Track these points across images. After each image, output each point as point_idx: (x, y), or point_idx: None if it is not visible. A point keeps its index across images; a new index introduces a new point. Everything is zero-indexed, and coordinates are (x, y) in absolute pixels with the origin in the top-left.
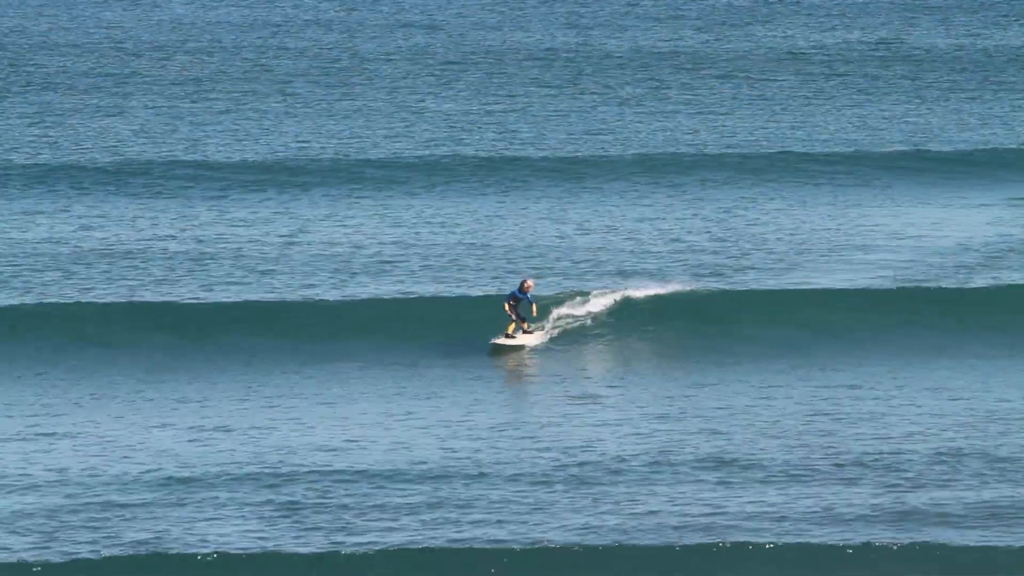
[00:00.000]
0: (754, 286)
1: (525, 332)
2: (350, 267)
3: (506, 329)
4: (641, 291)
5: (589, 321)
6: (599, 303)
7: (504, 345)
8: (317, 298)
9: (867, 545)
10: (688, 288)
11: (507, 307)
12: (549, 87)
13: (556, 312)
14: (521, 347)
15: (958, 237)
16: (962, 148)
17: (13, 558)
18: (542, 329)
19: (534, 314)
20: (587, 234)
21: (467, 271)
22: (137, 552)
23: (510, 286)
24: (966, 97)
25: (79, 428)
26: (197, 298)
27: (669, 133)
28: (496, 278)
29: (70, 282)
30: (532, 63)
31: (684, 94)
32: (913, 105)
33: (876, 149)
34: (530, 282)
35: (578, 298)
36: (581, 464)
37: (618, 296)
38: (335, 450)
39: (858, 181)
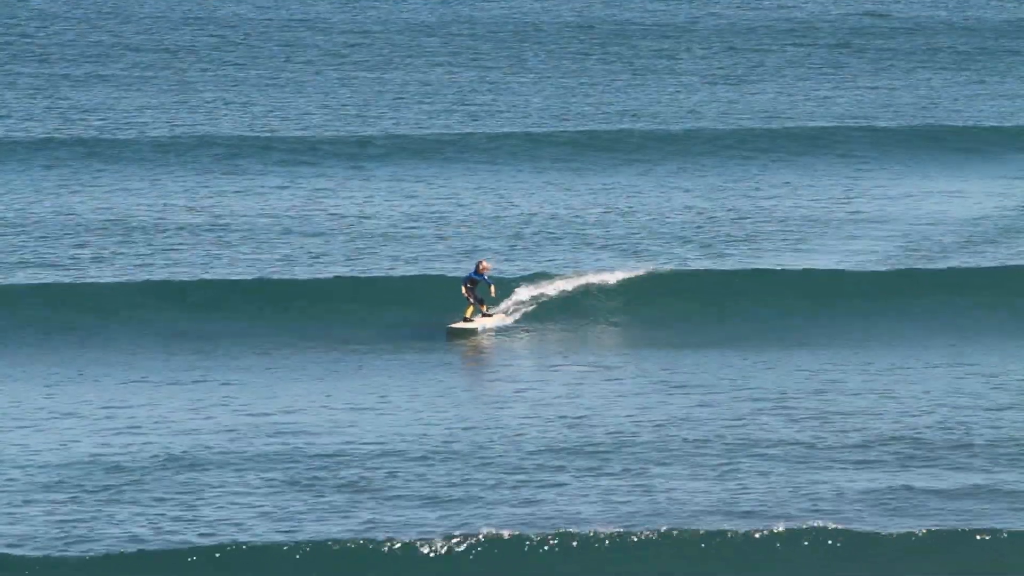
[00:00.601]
0: (756, 264)
1: (484, 315)
2: (348, 244)
3: (464, 312)
4: (623, 272)
5: (559, 301)
6: (566, 283)
7: (461, 329)
8: (292, 277)
9: (873, 531)
10: (667, 267)
11: (464, 290)
12: (556, 60)
13: (519, 294)
14: (479, 331)
15: (968, 213)
16: (972, 123)
17: (26, 535)
18: (503, 312)
19: (492, 295)
20: (585, 210)
21: (459, 249)
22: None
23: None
24: (977, 70)
25: (81, 405)
26: (193, 274)
27: (674, 106)
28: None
29: (72, 257)
30: (541, 36)
31: (690, 67)
32: (922, 78)
33: (884, 123)
34: (486, 263)
35: (549, 279)
36: (575, 447)
37: (592, 276)
38: (333, 430)
39: (867, 156)
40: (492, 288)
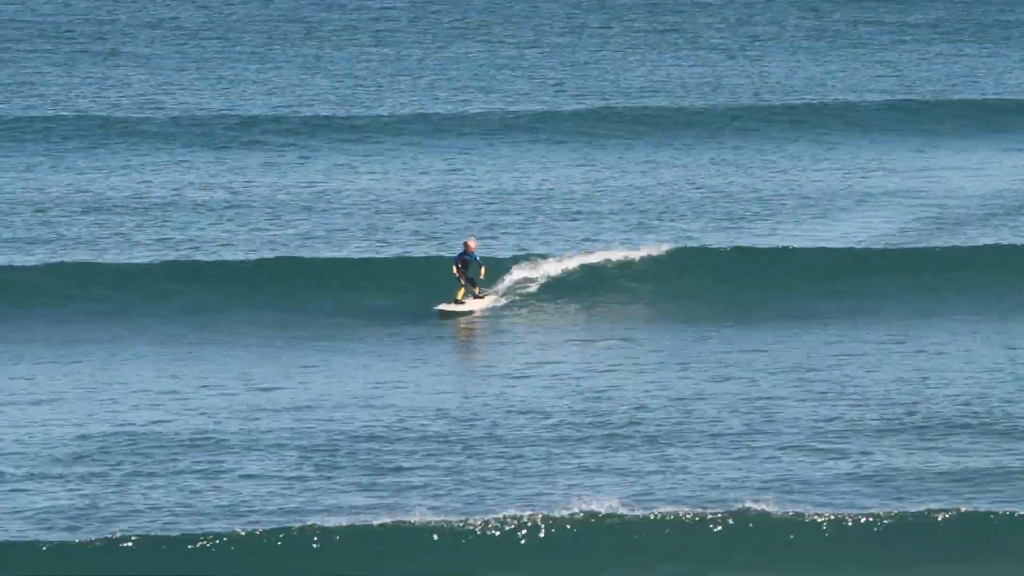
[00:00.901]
0: (772, 239)
1: (476, 297)
2: (364, 222)
3: (455, 295)
4: (638, 248)
5: (575, 278)
6: (581, 259)
7: (452, 311)
8: (304, 255)
9: (889, 509)
10: (683, 243)
11: (456, 270)
12: (570, 36)
13: (512, 275)
14: (470, 312)
15: (986, 187)
16: (991, 96)
17: (45, 510)
18: (495, 293)
19: (482, 276)
20: (601, 186)
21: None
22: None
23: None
24: (994, 41)
25: (97, 382)
26: (209, 252)
27: (690, 81)
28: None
29: (89, 235)
30: (555, 10)
31: (706, 41)
32: (938, 51)
33: (901, 96)
34: (472, 242)
35: (562, 256)
36: (585, 428)
37: (607, 253)
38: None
39: (883, 129)
40: (482, 269)
